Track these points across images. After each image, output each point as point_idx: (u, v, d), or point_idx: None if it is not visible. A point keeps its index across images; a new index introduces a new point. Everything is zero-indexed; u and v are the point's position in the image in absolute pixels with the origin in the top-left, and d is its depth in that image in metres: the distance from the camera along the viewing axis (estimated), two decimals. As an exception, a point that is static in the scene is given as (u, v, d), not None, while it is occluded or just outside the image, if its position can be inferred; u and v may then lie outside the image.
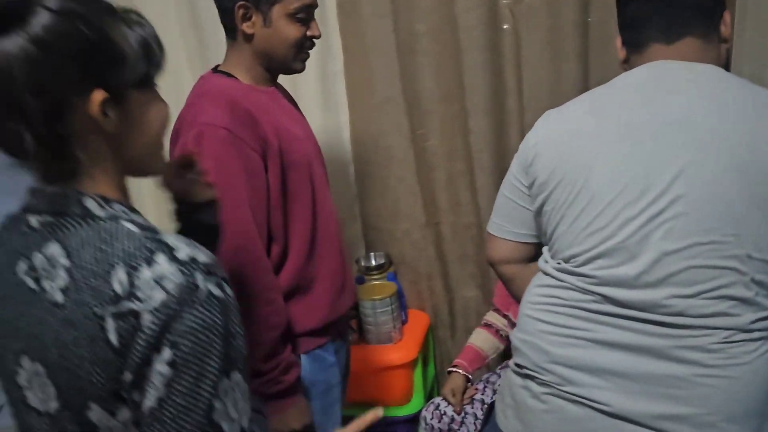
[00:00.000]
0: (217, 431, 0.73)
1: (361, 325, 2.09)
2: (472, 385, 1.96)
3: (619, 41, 1.25)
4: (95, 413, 0.75)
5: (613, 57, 1.94)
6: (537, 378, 1.16)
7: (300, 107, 1.59)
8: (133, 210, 0.83)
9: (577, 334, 1.12)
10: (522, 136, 2.07)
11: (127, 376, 0.72)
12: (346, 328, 1.59)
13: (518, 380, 1.22)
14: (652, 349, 1.06)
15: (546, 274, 1.20)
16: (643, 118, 1.10)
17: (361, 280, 2.17)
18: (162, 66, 0.85)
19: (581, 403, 1.11)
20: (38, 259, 0.77)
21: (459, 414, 1.88)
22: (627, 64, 1.23)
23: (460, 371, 1.94)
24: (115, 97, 0.76)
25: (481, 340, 2.00)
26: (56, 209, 0.78)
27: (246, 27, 1.35)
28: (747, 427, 1.04)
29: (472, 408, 1.90)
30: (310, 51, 1.44)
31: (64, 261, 0.75)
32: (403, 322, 2.17)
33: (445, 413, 1.89)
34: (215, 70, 1.43)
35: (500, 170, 2.10)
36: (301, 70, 1.45)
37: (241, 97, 1.33)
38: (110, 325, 0.71)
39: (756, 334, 1.03)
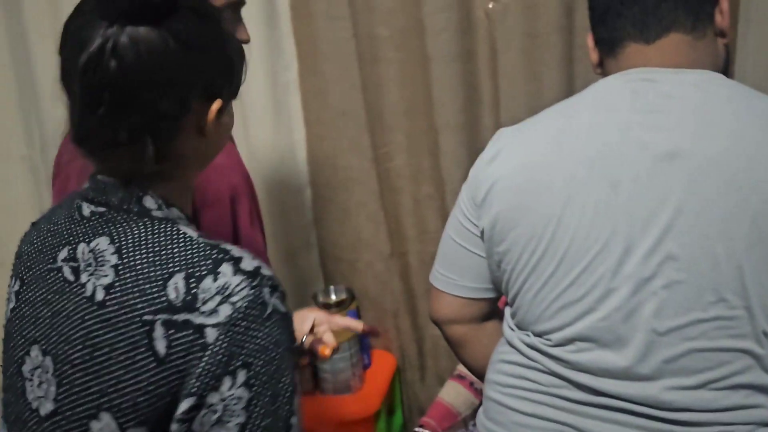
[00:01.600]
0: None
1: (315, 372, 1.82)
2: None
3: (591, 40, 1.00)
4: (101, 424, 0.71)
5: (601, 66, 1.74)
6: None
7: (246, 123, 1.33)
8: (190, 219, 0.82)
9: (563, 430, 0.88)
10: (499, 155, 1.86)
11: (186, 393, 0.68)
12: None
13: None
14: None
15: (512, 346, 0.95)
16: (620, 149, 0.85)
17: (316, 320, 1.90)
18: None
19: None
20: (82, 250, 0.76)
21: None
22: (601, 69, 0.99)
23: None
24: (224, 107, 0.79)
25: (452, 394, 1.74)
26: (112, 202, 0.76)
27: None
28: None
29: None
30: None
31: (112, 258, 0.73)
32: (366, 367, 1.91)
33: None
34: None
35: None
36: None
37: None
38: (159, 332, 0.69)
39: None
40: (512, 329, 0.97)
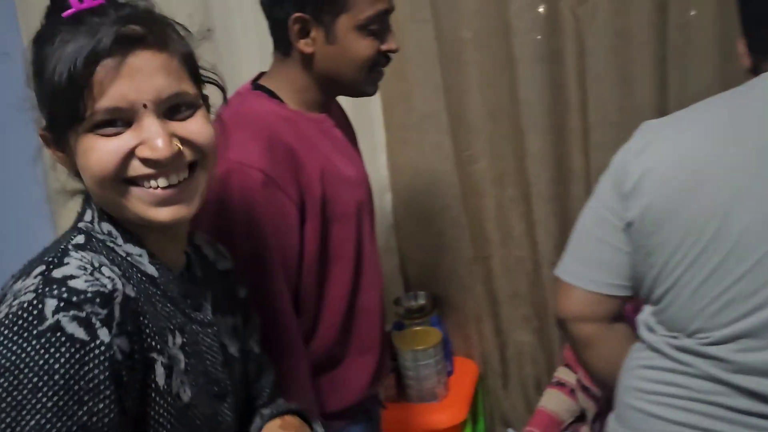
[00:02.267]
0: None
1: (400, 380, 1.80)
2: None
3: (742, 46, 0.96)
4: None
5: (697, 65, 1.65)
6: None
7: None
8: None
9: None
10: (586, 157, 1.80)
11: None
12: (374, 405, 1.29)
13: None
14: None
15: (656, 350, 0.90)
16: None
17: (400, 326, 1.88)
18: None
19: None
20: None
21: None
22: (755, 74, 0.94)
23: None
24: None
25: (554, 402, 1.67)
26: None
27: (303, 45, 1.06)
28: None
29: None
30: (384, 69, 1.15)
31: None
32: (449, 374, 1.88)
33: None
34: (255, 84, 1.14)
35: (560, 197, 1.82)
36: (373, 93, 1.17)
37: (284, 128, 1.05)
38: None
39: None
40: (653, 331, 0.92)
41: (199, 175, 0.73)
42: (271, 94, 1.10)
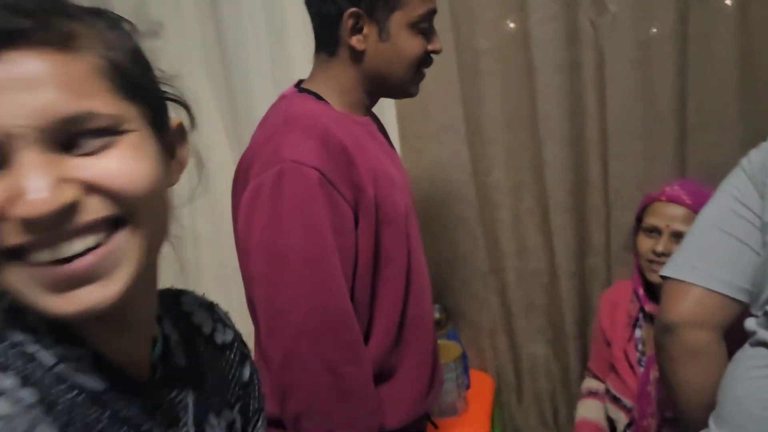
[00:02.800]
0: None
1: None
2: None
3: None
4: None
5: (718, 75, 1.67)
6: None
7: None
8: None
9: None
10: (605, 167, 1.79)
11: None
12: (425, 426, 1.25)
13: None
14: None
15: None
16: None
17: (416, 339, 1.85)
18: None
19: None
20: None
21: None
22: None
23: None
24: None
25: (593, 411, 1.64)
26: None
27: (356, 41, 1.04)
28: None
29: None
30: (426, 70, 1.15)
31: None
32: (467, 388, 1.84)
33: None
34: (299, 87, 1.11)
35: (578, 208, 1.81)
36: (416, 93, 1.17)
37: (335, 128, 1.02)
38: None
39: None
40: None
41: (127, 238, 0.49)
42: (317, 97, 1.07)
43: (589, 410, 1.64)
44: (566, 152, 1.78)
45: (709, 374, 0.96)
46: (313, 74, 1.12)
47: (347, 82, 1.09)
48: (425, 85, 1.76)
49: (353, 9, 1.02)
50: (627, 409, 1.47)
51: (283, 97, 1.09)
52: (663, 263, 1.39)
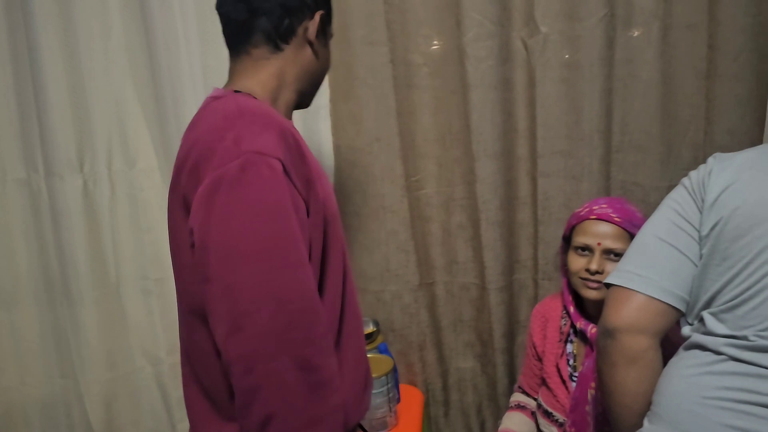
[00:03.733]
0: None
1: (349, 409, 1.73)
2: None
3: None
4: None
5: (641, 98, 1.74)
6: None
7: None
8: None
9: None
10: (534, 184, 1.83)
11: None
12: None
13: None
14: None
15: (718, 353, 0.92)
16: None
17: (347, 353, 1.82)
18: None
19: None
20: None
21: None
22: None
23: None
24: None
25: (516, 423, 1.66)
26: None
27: (318, 43, 1.09)
28: None
29: None
30: None
31: None
32: (397, 401, 1.83)
33: None
34: (232, 89, 1.08)
35: (508, 223, 1.84)
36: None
37: (286, 124, 0.99)
38: None
39: None
40: (712, 334, 0.94)
41: None
42: (253, 98, 1.05)
43: (514, 422, 1.66)
44: (497, 168, 1.81)
45: (645, 379, 1.00)
46: (240, 74, 1.08)
47: (286, 78, 1.08)
48: (359, 97, 1.78)
49: (323, 12, 1.07)
50: (559, 424, 1.49)
51: (216, 98, 1.05)
52: (597, 280, 1.44)
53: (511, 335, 1.95)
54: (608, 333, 1.01)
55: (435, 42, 1.76)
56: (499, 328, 1.90)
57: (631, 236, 1.42)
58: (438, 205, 1.88)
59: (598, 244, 1.43)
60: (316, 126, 1.82)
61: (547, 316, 1.62)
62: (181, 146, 1.03)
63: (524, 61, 1.74)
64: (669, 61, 1.69)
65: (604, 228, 1.44)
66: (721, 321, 0.95)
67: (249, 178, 0.88)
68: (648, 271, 0.99)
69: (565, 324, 1.54)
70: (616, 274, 1.03)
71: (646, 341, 0.98)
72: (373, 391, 1.69)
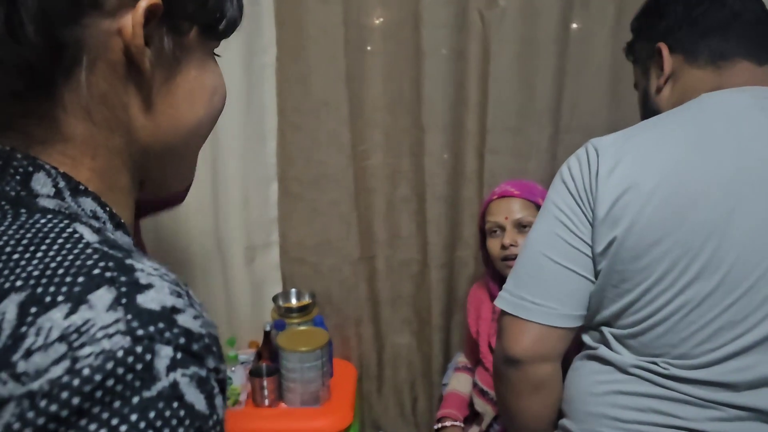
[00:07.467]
0: None
1: (280, 383, 1.67)
2: None
3: (665, 49, 0.98)
4: None
5: (592, 80, 1.73)
6: None
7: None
8: (118, 224, 0.48)
9: None
10: (481, 160, 1.80)
11: None
12: None
13: None
14: None
15: (630, 374, 0.87)
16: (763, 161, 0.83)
17: (281, 325, 1.75)
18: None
19: None
20: None
21: None
22: (674, 81, 0.97)
23: (457, 424, 1.60)
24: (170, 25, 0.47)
25: (464, 384, 1.67)
26: None
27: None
28: None
29: None
30: None
31: None
32: (330, 376, 1.78)
33: None
34: None
35: (453, 199, 1.81)
36: None
37: None
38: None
39: None
40: (620, 354, 0.89)
41: None
42: None
43: (460, 383, 1.68)
44: (446, 141, 1.77)
45: (549, 404, 0.97)
46: None
47: None
48: (307, 58, 1.70)
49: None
50: (494, 402, 1.47)
51: None
52: (514, 254, 1.42)
53: (449, 313, 1.92)
54: (510, 362, 0.94)
55: (391, 5, 1.68)
56: (437, 305, 1.87)
57: (535, 206, 1.45)
58: (383, 176, 1.83)
59: (506, 218, 1.47)
60: (260, 85, 1.73)
61: (482, 297, 1.61)
62: None
63: (479, 32, 1.69)
64: (621, 44, 1.67)
65: (508, 204, 1.49)
66: (626, 347, 0.89)
67: None
68: (544, 299, 0.91)
69: (496, 307, 1.54)
70: (507, 299, 0.94)
71: (550, 367, 0.94)
72: (307, 365, 1.63)
